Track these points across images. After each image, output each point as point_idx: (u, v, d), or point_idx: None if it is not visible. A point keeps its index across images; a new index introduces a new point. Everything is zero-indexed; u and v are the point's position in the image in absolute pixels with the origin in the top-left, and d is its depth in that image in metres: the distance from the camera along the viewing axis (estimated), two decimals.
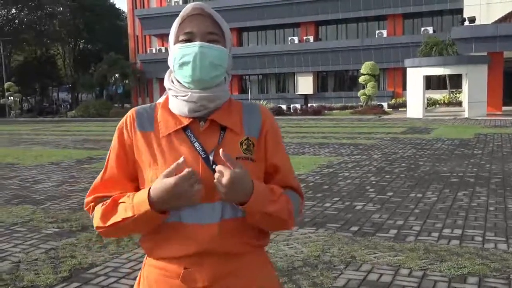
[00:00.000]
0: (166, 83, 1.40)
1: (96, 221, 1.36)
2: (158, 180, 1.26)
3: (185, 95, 1.33)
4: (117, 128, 1.42)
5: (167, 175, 1.24)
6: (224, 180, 1.21)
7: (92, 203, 1.40)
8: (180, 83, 1.37)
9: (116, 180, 1.39)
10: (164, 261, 1.34)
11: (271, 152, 1.40)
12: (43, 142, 16.67)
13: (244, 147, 1.35)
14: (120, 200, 1.33)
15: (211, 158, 1.30)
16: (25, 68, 49.52)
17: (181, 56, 1.32)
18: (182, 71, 1.33)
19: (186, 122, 1.34)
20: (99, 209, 1.36)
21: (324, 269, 3.98)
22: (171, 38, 1.37)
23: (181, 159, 1.25)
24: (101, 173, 1.43)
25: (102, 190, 1.40)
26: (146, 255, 1.42)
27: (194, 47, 1.30)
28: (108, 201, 1.35)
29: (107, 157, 1.43)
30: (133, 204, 1.28)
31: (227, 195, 1.23)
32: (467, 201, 6.29)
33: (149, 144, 1.35)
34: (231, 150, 1.31)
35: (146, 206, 1.25)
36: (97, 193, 1.40)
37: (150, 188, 1.26)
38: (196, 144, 1.31)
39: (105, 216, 1.34)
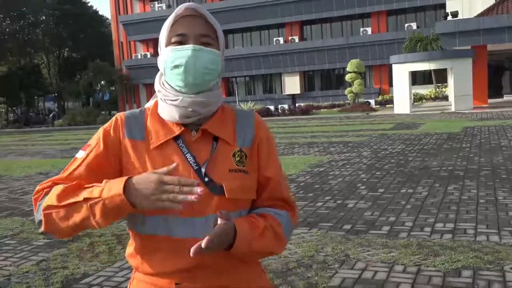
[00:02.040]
0: (157, 86, 1.35)
1: (50, 200, 1.19)
2: (146, 173, 1.16)
3: (176, 99, 1.28)
4: (102, 128, 1.33)
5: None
6: (204, 242, 1.12)
7: (47, 189, 1.24)
8: (172, 86, 1.31)
9: (86, 182, 1.24)
10: (154, 276, 1.29)
11: (264, 163, 1.36)
12: (30, 153, 16.50)
13: (237, 158, 1.31)
14: (88, 185, 1.20)
15: (203, 170, 1.26)
16: (9, 78, 49.00)
17: (173, 59, 1.26)
18: (173, 74, 1.27)
19: (177, 131, 1.29)
20: (57, 188, 1.21)
21: (319, 269, 3.97)
22: (162, 39, 1.31)
23: (173, 166, 1.15)
24: (66, 169, 1.29)
25: (63, 181, 1.25)
26: (134, 269, 1.36)
27: (187, 50, 1.25)
28: (74, 183, 1.22)
29: (79, 156, 1.29)
30: (104, 187, 1.15)
31: (208, 249, 1.14)
32: (458, 194, 6.32)
33: (139, 153, 1.29)
34: (223, 162, 1.28)
35: (120, 189, 1.12)
36: (56, 181, 1.26)
37: (132, 177, 1.16)
38: (188, 156, 1.27)
39: (64, 195, 1.19)
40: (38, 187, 1.27)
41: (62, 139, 22.69)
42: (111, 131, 1.32)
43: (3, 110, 42.96)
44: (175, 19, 1.29)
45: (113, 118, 1.36)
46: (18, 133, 31.29)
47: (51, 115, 46.02)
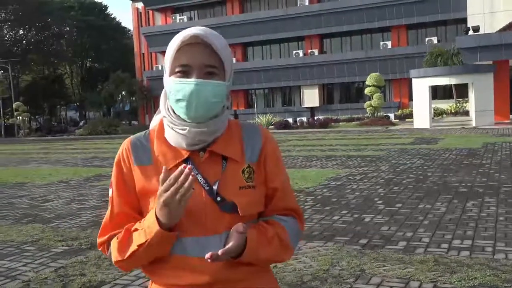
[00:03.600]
0: (162, 110, 1.36)
1: (114, 256, 1.32)
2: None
3: (183, 129, 1.29)
4: (114, 163, 1.39)
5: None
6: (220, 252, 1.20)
7: (106, 243, 1.38)
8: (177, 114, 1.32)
9: (126, 215, 1.35)
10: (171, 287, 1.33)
11: (271, 175, 1.38)
12: (52, 161, 16.78)
13: (246, 175, 1.33)
14: (133, 228, 1.30)
15: (215, 189, 1.28)
16: (33, 87, 50.07)
17: (175, 92, 1.26)
18: (177, 106, 1.28)
19: (185, 154, 1.31)
20: (115, 243, 1.32)
21: (334, 282, 3.96)
22: (167, 65, 1.30)
23: (181, 167, 1.19)
24: (108, 212, 1.38)
25: (114, 227, 1.36)
26: (151, 280, 1.40)
27: (189, 85, 1.24)
28: (122, 232, 1.32)
29: (110, 194, 1.38)
30: (144, 228, 1.25)
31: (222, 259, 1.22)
32: (477, 211, 6.25)
33: (149, 178, 1.32)
34: (234, 180, 1.30)
35: (155, 226, 1.22)
36: (110, 232, 1.37)
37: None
38: (199, 177, 1.29)
39: (121, 248, 1.30)
40: (98, 240, 1.41)
41: (83, 148, 23.02)
42: (121, 162, 1.37)
43: (26, 118, 43.75)
44: (179, 46, 1.27)
45: (120, 148, 1.39)
46: (40, 142, 31.83)
47: (81, 123, 46.73)
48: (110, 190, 1.39)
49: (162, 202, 1.19)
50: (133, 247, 1.28)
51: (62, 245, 5.50)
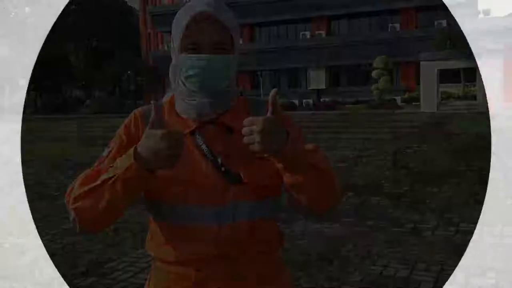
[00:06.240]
0: (172, 83, 1.36)
1: (74, 193, 1.21)
2: (146, 132, 1.14)
3: (193, 100, 1.30)
4: (123, 124, 1.36)
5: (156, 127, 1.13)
6: (257, 127, 1.09)
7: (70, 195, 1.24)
8: (187, 87, 1.31)
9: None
10: (174, 265, 1.30)
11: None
12: (58, 139, 16.83)
13: None
14: (105, 170, 1.21)
15: (219, 160, 1.27)
16: (39, 66, 50.00)
17: (187, 68, 1.28)
18: (189, 81, 1.29)
19: (194, 125, 1.31)
20: (79, 180, 1.23)
21: (340, 263, 3.97)
22: (176, 42, 1.30)
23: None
24: (95, 164, 1.29)
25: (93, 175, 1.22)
26: (153, 260, 1.37)
27: (201, 61, 1.26)
28: (93, 171, 1.23)
29: (104, 154, 1.31)
30: (117, 164, 1.16)
31: (263, 143, 1.10)
32: (484, 194, 6.22)
33: None
34: (239, 151, 1.26)
35: (130, 159, 1.13)
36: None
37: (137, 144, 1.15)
38: (204, 147, 1.29)
39: (85, 182, 1.20)
40: (67, 191, 1.26)
41: (89, 126, 23.06)
42: (132, 126, 1.35)
43: (32, 96, 43.82)
44: (189, 22, 1.26)
45: (132, 114, 1.37)
46: (46, 120, 31.91)
47: (87, 102, 46.67)
48: (106, 150, 1.31)
49: (160, 134, 1.10)
50: (96, 182, 1.18)
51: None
